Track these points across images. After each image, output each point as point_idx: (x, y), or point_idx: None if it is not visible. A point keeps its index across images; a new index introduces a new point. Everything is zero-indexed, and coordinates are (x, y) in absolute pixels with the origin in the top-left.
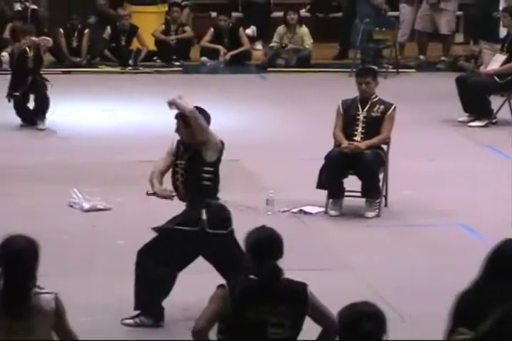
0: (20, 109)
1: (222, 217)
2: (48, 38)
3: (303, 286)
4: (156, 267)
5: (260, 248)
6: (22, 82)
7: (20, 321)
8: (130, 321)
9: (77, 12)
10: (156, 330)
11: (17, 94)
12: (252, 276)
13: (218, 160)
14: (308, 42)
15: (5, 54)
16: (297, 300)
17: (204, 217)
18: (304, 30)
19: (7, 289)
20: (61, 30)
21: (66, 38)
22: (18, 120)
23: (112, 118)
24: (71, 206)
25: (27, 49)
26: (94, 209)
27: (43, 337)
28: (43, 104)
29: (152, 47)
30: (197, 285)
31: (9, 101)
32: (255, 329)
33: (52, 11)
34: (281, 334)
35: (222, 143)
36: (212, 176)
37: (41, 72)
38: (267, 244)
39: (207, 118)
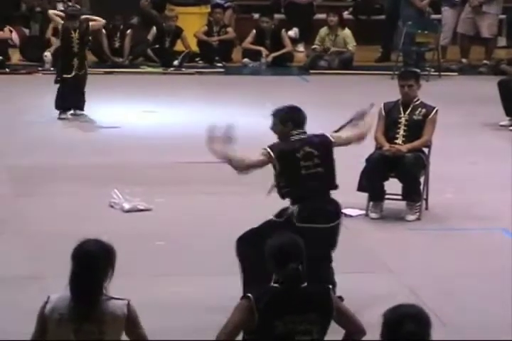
0: (65, 94)
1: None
2: (101, 19)
3: (327, 290)
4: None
5: (282, 255)
6: (69, 65)
7: (91, 325)
8: None
9: (119, 12)
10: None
11: (67, 76)
12: (275, 285)
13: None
14: (352, 44)
15: (47, 54)
16: (322, 305)
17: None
18: (347, 32)
19: (79, 291)
20: (103, 31)
21: (108, 38)
22: (61, 122)
23: (153, 119)
24: (112, 206)
25: (72, 32)
26: (134, 210)
27: (115, 336)
28: (83, 95)
29: (194, 48)
30: (222, 287)
31: (57, 83)
32: (283, 339)
33: (94, 11)
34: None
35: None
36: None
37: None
38: (290, 251)
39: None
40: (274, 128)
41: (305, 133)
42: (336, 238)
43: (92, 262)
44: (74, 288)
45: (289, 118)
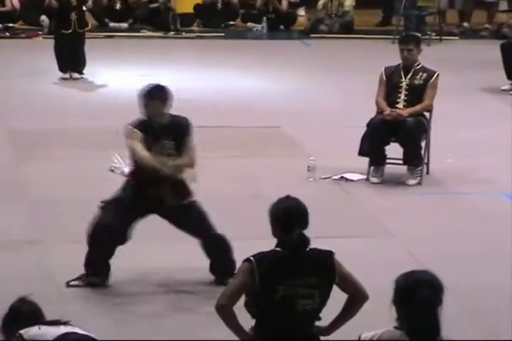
0: (64, 50)
1: None
2: None
3: (330, 255)
4: None
5: (287, 219)
6: (66, 21)
7: None
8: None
9: None
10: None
11: (66, 32)
12: (278, 249)
13: None
14: (348, 3)
15: (44, 18)
16: (325, 269)
17: None
18: None
19: None
20: None
21: (109, 0)
22: (59, 86)
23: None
24: (112, 171)
25: None
26: None
27: None
28: (83, 56)
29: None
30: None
31: (58, 40)
32: (284, 302)
33: None
34: (311, 305)
35: None
36: None
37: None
38: (294, 214)
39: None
40: None
41: None
42: None
43: None
44: None
45: None
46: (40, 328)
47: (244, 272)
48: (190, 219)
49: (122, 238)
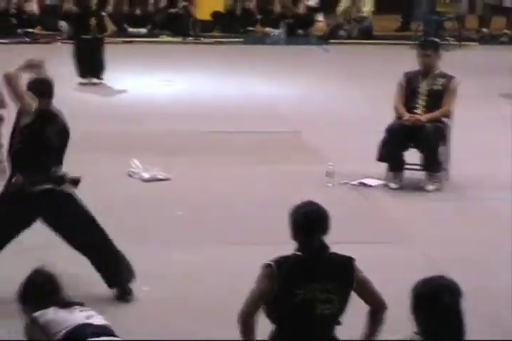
0: (83, 55)
1: None
2: None
3: (349, 260)
4: None
5: (308, 223)
6: (86, 25)
7: None
8: None
9: None
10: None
11: (86, 37)
12: (298, 253)
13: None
14: (367, 8)
15: (62, 23)
16: (344, 274)
17: None
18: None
19: None
20: None
21: (130, 5)
22: (78, 91)
23: (171, 88)
24: (130, 176)
25: None
26: (153, 180)
27: None
28: (102, 61)
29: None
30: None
31: (77, 45)
32: (304, 306)
33: None
34: (330, 309)
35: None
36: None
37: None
38: (315, 219)
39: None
40: None
41: None
42: None
43: None
44: None
45: None
46: (56, 313)
47: (265, 277)
48: None
49: None
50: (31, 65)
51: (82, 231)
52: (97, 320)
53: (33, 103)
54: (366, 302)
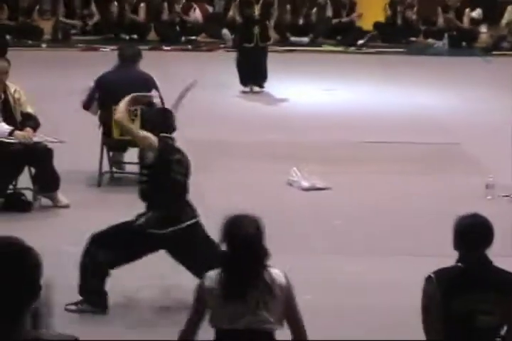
0: (246, 63)
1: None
2: None
3: (509, 275)
4: None
5: (473, 235)
6: (249, 34)
7: (254, 293)
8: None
9: None
10: None
11: (248, 45)
12: (459, 264)
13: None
14: None
15: (225, 31)
16: (505, 288)
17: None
18: None
19: (243, 265)
20: (288, 7)
21: (292, 14)
22: (240, 98)
23: (333, 97)
24: (290, 184)
25: (253, 0)
26: (313, 189)
27: (275, 311)
28: (265, 69)
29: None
30: (397, 267)
31: (240, 53)
32: (465, 318)
33: None
34: (491, 321)
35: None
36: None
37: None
38: (480, 231)
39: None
40: None
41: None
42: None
43: (253, 237)
44: (236, 264)
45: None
46: None
47: (425, 291)
48: None
49: None
50: (136, 101)
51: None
52: None
53: (152, 140)
54: None
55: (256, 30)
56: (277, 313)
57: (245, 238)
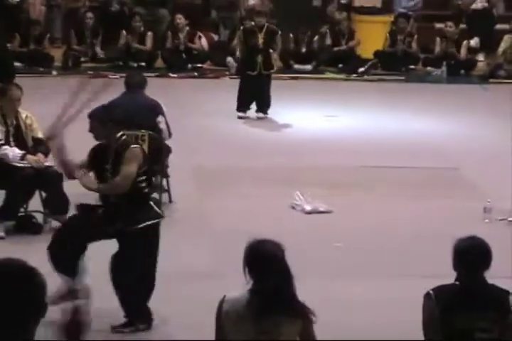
0: (250, 90)
1: None
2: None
3: (506, 294)
4: None
5: (471, 256)
6: (253, 61)
7: (270, 324)
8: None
9: (305, 21)
10: None
11: (252, 73)
12: (457, 283)
13: None
14: None
15: (230, 59)
16: (502, 306)
17: None
18: None
19: (273, 291)
20: (291, 36)
21: (295, 44)
22: (244, 125)
23: (335, 123)
24: (293, 208)
25: (257, 29)
26: (315, 212)
27: (291, 337)
28: (268, 96)
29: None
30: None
31: (243, 81)
32: (463, 335)
33: (279, 19)
34: (490, 339)
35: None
36: None
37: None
38: (478, 252)
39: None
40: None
41: None
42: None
43: (278, 262)
44: (262, 289)
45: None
46: None
47: (425, 307)
48: None
49: None
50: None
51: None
52: None
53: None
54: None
55: (259, 58)
56: (292, 337)
57: (274, 260)
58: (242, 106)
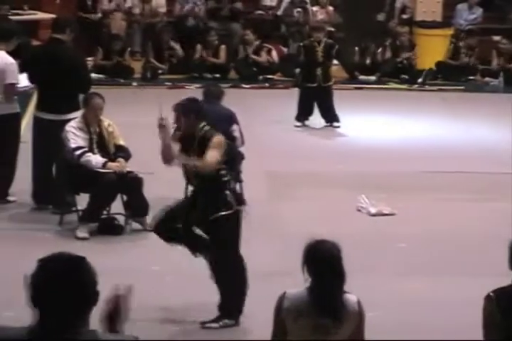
0: (309, 102)
1: None
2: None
3: None
4: None
5: None
6: (312, 75)
7: (328, 320)
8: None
9: (370, 34)
10: None
11: (311, 85)
12: None
13: None
14: None
15: (298, 71)
16: None
17: None
18: None
19: (328, 289)
20: (356, 49)
21: (360, 56)
22: (309, 133)
23: (398, 131)
24: (359, 210)
25: (316, 44)
26: (380, 214)
27: (348, 337)
28: (330, 107)
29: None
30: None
31: (301, 90)
32: None
33: (347, 31)
34: None
35: None
36: None
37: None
38: None
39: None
40: None
41: None
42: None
43: (335, 262)
44: (318, 287)
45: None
46: None
47: (485, 309)
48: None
49: None
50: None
51: None
52: None
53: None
54: None
55: (318, 71)
56: (341, 337)
57: (331, 260)
58: (301, 116)
